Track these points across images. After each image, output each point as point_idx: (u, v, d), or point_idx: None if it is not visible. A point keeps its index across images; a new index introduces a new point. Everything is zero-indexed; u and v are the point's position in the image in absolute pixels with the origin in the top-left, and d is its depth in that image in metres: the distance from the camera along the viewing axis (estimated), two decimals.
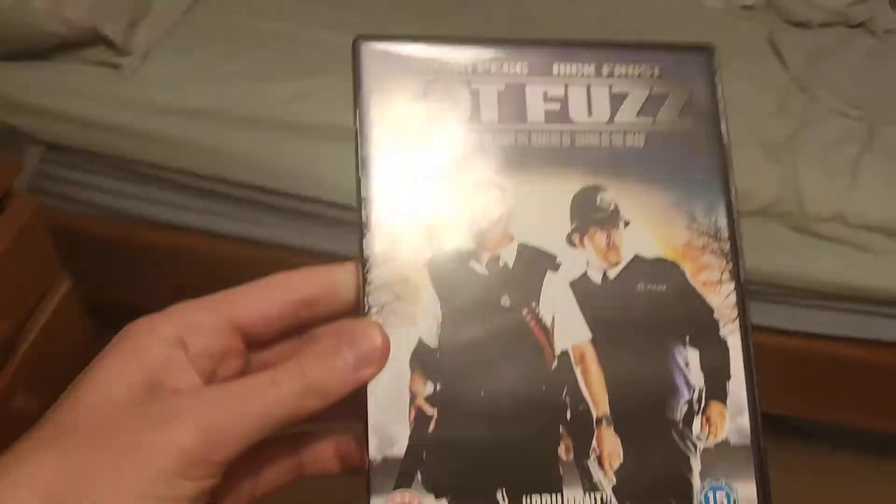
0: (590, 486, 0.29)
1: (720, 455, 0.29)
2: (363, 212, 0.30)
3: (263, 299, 0.28)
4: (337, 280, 0.29)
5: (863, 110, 0.98)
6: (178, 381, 0.26)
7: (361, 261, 0.30)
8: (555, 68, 0.32)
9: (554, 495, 0.28)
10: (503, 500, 0.28)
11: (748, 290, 0.31)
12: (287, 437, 0.30)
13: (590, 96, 0.32)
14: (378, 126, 0.31)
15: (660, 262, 0.31)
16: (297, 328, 0.29)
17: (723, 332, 0.30)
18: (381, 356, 0.29)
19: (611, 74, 0.32)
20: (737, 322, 0.30)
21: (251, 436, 0.26)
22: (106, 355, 0.26)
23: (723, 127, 0.32)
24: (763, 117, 1.01)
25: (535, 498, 0.28)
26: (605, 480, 0.29)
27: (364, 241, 0.30)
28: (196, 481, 0.25)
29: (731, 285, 0.31)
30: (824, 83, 1.04)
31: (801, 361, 0.95)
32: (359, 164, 0.30)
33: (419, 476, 0.28)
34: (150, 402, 0.25)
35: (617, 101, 0.32)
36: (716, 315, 0.30)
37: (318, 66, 1.03)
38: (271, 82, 1.03)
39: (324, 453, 0.30)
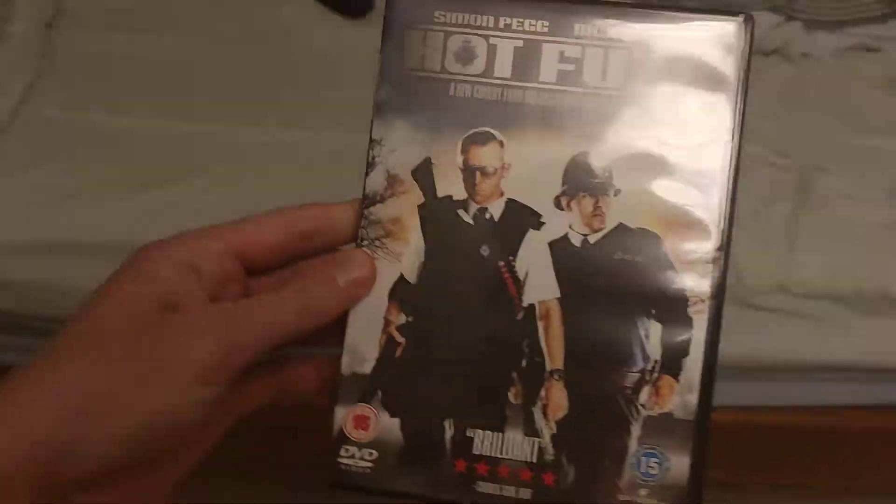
0: (531, 431, 0.32)
1: (662, 425, 0.31)
2: (370, 151, 0.33)
3: (266, 229, 0.32)
4: (333, 216, 0.33)
5: (790, 158, 0.83)
6: (191, 300, 0.30)
7: (362, 196, 0.33)
8: (576, 28, 0.32)
9: (496, 433, 0.32)
10: (449, 428, 0.32)
11: (726, 276, 0.31)
12: (273, 360, 0.34)
13: (607, 60, 0.32)
14: (395, 71, 0.33)
15: (642, 234, 0.32)
16: (293, 257, 0.33)
17: (690, 310, 0.31)
18: (368, 282, 0.32)
19: (632, 39, 0.32)
20: (707, 303, 0.31)
21: (261, 347, 0.30)
22: (122, 273, 0.30)
23: (740, 102, 0.32)
24: None
25: (479, 432, 0.32)
26: (546, 429, 0.31)
27: (366, 178, 0.33)
28: (214, 387, 0.29)
29: (710, 267, 0.31)
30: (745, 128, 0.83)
31: (748, 433, 0.80)
32: (375, 107, 0.33)
33: (379, 394, 0.32)
34: (168, 316, 0.29)
35: (635, 66, 0.32)
36: (687, 293, 0.31)
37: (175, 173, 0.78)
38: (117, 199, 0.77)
39: (305, 375, 0.34)
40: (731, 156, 0.31)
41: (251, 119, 0.82)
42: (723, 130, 0.32)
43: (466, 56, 0.33)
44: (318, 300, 0.31)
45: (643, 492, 0.31)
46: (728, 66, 0.32)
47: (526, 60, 0.32)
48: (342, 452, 0.32)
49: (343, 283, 0.32)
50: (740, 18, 0.32)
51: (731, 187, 0.31)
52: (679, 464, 0.31)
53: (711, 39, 0.32)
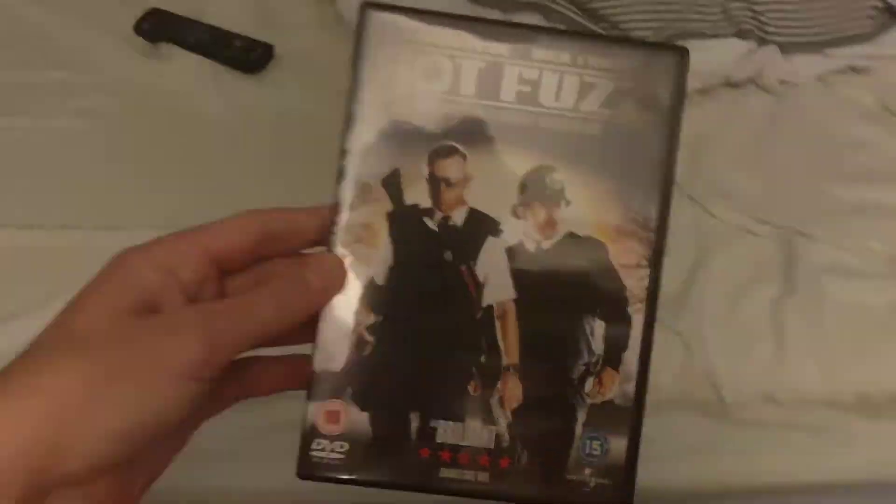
0: (489, 420, 0.35)
1: (604, 412, 0.35)
2: (342, 161, 0.35)
3: (237, 232, 0.33)
4: (300, 221, 0.34)
5: (771, 221, 0.71)
6: (170, 302, 0.31)
7: (333, 203, 0.35)
8: (534, 53, 0.35)
9: (457, 423, 0.35)
10: (415, 420, 0.34)
11: (660, 279, 0.36)
12: (240, 360, 0.35)
13: (561, 82, 0.35)
14: (367, 86, 0.35)
15: (589, 241, 0.35)
16: (262, 257, 0.34)
17: (630, 309, 0.35)
18: (339, 284, 0.34)
19: (584, 65, 0.35)
20: (644, 304, 0.35)
21: (242, 344, 0.31)
22: (101, 278, 0.31)
23: (678, 128, 0.36)
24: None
25: (442, 422, 0.35)
26: (502, 418, 0.35)
27: (339, 187, 0.35)
28: (198, 384, 0.30)
29: (647, 271, 0.35)
30: (716, 188, 0.73)
31: None
32: (345, 117, 0.35)
33: (349, 390, 0.34)
34: (150, 317, 0.30)
35: (585, 89, 0.35)
36: (627, 294, 0.35)
37: None
38: None
39: (274, 374, 0.36)
40: (666, 174, 0.36)
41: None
42: (660, 151, 0.36)
43: (434, 74, 0.35)
44: (292, 300, 0.33)
45: (587, 471, 0.35)
46: (665, 93, 0.36)
47: (488, 80, 0.35)
48: (314, 445, 0.34)
49: (316, 284, 0.34)
50: (678, 51, 0.36)
51: (664, 201, 0.36)
52: (618, 445, 0.35)
53: (652, 68, 0.36)
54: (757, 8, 0.82)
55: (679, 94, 0.36)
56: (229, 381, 0.35)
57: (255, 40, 0.82)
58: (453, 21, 0.35)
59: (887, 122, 0.80)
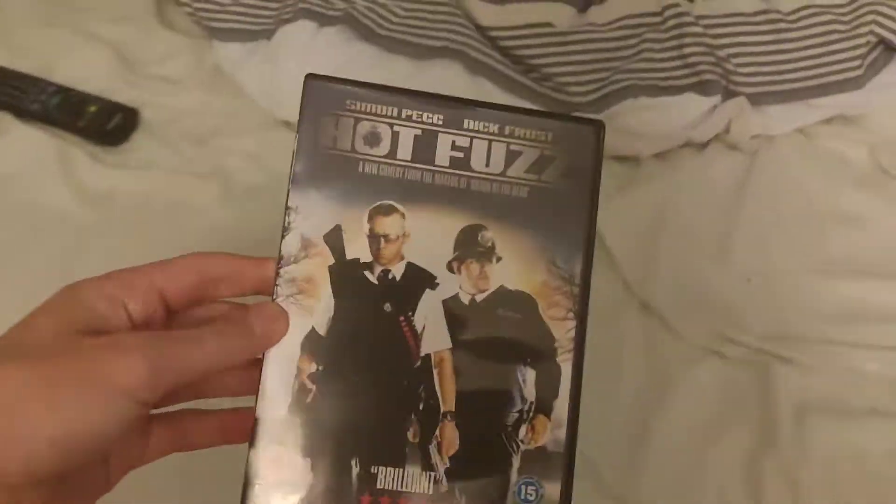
0: (427, 466, 0.36)
1: (537, 457, 0.37)
2: (286, 217, 0.37)
3: (184, 271, 0.35)
4: (244, 269, 0.36)
5: (745, 333, 0.58)
6: (118, 329, 0.33)
7: (278, 256, 0.36)
8: (465, 123, 0.39)
9: (398, 469, 0.36)
10: (356, 466, 0.35)
11: (585, 330, 0.38)
12: (175, 413, 0.37)
13: (490, 150, 0.39)
14: (310, 149, 0.37)
15: (519, 295, 0.38)
16: (204, 299, 0.36)
17: (559, 359, 0.37)
18: (280, 332, 0.36)
19: (511, 135, 0.39)
20: (572, 353, 0.38)
21: (184, 374, 0.32)
22: (50, 302, 0.32)
23: (597, 192, 0.39)
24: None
25: (382, 469, 0.35)
26: (441, 464, 0.36)
27: (282, 241, 0.37)
28: (138, 404, 0.30)
29: (573, 323, 0.38)
30: (676, 291, 0.60)
31: None
32: (290, 177, 0.37)
33: (291, 437, 0.35)
34: (98, 335, 0.31)
35: (512, 156, 0.39)
36: (556, 345, 0.38)
37: None
38: None
39: (207, 427, 0.37)
40: (588, 232, 0.39)
41: None
42: (581, 213, 0.39)
43: (373, 139, 0.38)
44: (234, 341, 0.34)
45: None
46: (585, 162, 0.39)
47: (424, 146, 0.38)
48: (257, 493, 0.34)
49: (258, 330, 0.35)
50: (595, 124, 0.40)
51: (586, 258, 0.38)
52: (552, 490, 0.36)
53: (572, 139, 0.39)
54: (720, 53, 0.67)
55: (596, 163, 0.39)
56: (163, 432, 0.36)
57: (115, 103, 0.67)
58: (391, 92, 0.38)
59: (882, 186, 0.65)
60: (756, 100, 0.67)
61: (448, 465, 0.36)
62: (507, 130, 0.39)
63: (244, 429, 0.35)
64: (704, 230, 0.63)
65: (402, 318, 0.37)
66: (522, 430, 0.37)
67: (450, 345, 0.37)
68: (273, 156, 0.68)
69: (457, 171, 0.38)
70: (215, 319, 0.36)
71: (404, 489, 0.35)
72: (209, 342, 0.33)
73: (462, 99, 0.39)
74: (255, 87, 0.71)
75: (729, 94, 0.66)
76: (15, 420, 0.28)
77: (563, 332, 0.38)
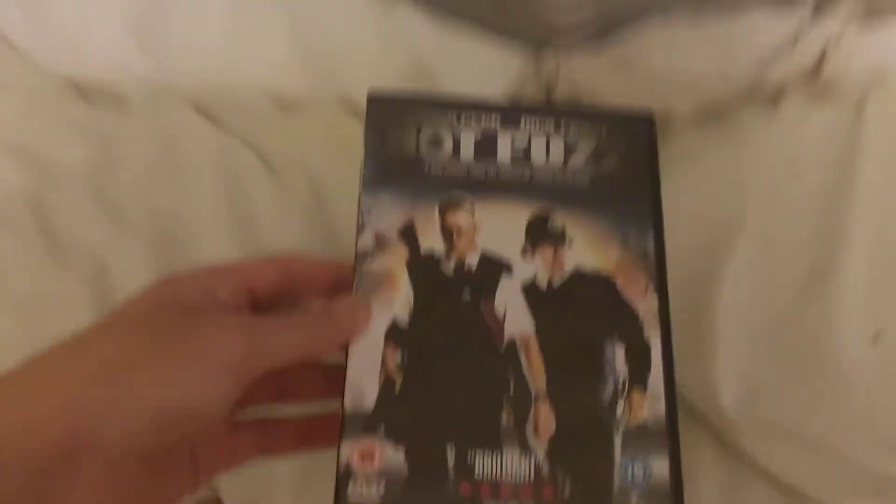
0: (525, 449, 0.34)
1: (640, 434, 0.35)
2: (360, 217, 0.38)
3: (269, 269, 0.35)
4: (316, 272, 0.37)
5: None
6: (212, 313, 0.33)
7: (355, 254, 0.37)
8: (522, 122, 0.40)
9: (495, 454, 0.34)
10: (451, 453, 0.34)
11: (668, 303, 0.37)
12: (259, 420, 0.36)
13: (548, 145, 0.40)
14: (376, 155, 0.39)
15: (596, 274, 0.37)
16: (285, 297, 0.36)
17: (646, 333, 0.36)
18: (364, 322, 0.35)
19: (566, 131, 0.40)
20: (658, 326, 0.37)
21: (275, 358, 0.32)
22: (144, 289, 0.32)
23: (655, 179, 0.40)
24: None
25: (479, 453, 0.34)
26: (540, 447, 0.34)
27: (358, 239, 0.37)
28: (236, 384, 0.30)
29: (655, 296, 0.37)
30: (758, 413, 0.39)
31: None
32: (360, 180, 0.38)
33: (383, 427, 0.34)
34: (196, 315, 0.31)
35: (570, 150, 0.40)
36: (640, 319, 0.37)
37: None
38: None
39: (293, 433, 0.37)
40: (656, 211, 0.39)
41: None
42: (643, 196, 0.39)
43: (436, 144, 0.39)
44: (321, 332, 0.34)
45: (634, 496, 0.34)
46: (641, 152, 0.40)
47: (485, 146, 0.40)
48: (350, 486, 0.33)
49: (343, 322, 0.35)
50: (644, 118, 0.41)
51: (657, 235, 0.38)
52: (660, 467, 0.34)
53: (625, 133, 0.40)
54: None
55: (651, 153, 0.40)
56: (249, 436, 0.35)
57: None
58: (448, 102, 0.40)
59: None
60: (874, 6, 0.40)
61: (546, 447, 0.34)
62: (562, 127, 0.40)
63: (327, 434, 0.34)
64: (787, 245, 0.41)
65: (482, 305, 0.37)
66: (619, 406, 0.35)
67: (534, 327, 0.36)
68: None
69: (518, 166, 0.39)
70: (300, 313, 0.36)
71: (504, 475, 0.34)
72: (299, 329, 0.33)
73: (518, 104, 0.41)
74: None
75: (822, 7, 0.41)
76: (120, 391, 0.28)
77: (645, 306, 0.37)
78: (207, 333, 0.30)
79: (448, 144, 0.39)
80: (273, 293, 0.36)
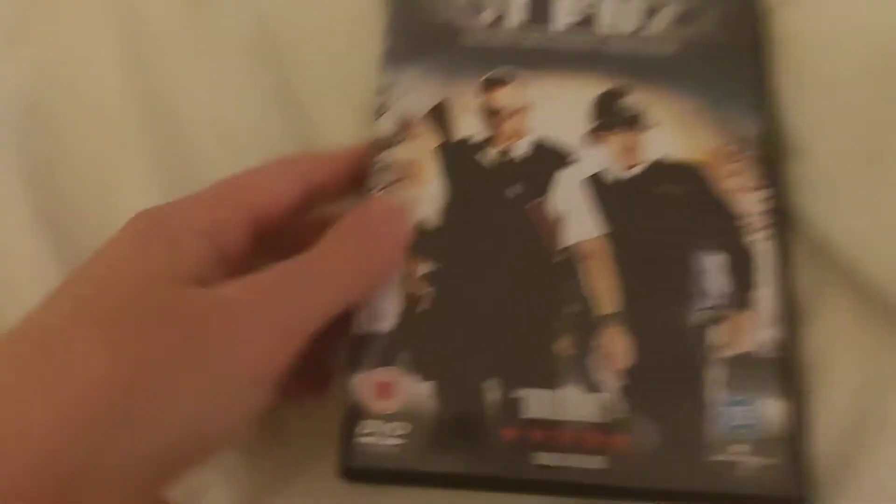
0: (591, 385, 0.26)
1: (743, 368, 0.26)
2: (378, 98, 0.30)
3: (279, 188, 0.26)
4: (340, 167, 0.28)
5: None
6: (213, 277, 0.23)
7: (373, 141, 0.29)
8: None
9: (550, 391, 0.26)
10: (492, 390, 0.26)
11: (784, 199, 0.28)
12: None
13: (619, 6, 0.31)
14: (402, 22, 0.31)
15: (682, 166, 0.29)
16: (299, 213, 0.27)
17: (750, 238, 0.28)
18: (406, 227, 0.28)
19: None
20: (767, 230, 0.28)
21: (316, 326, 0.24)
22: (142, 243, 0.23)
23: (761, 40, 0.31)
24: None
25: (528, 391, 0.26)
26: (611, 382, 0.26)
27: (376, 123, 0.29)
28: (265, 390, 0.23)
29: (763, 192, 0.28)
30: None
31: None
32: (383, 55, 0.31)
33: (405, 355, 0.26)
34: (206, 294, 0.22)
35: (651, 11, 0.31)
36: (742, 221, 0.28)
37: None
38: None
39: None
40: (760, 85, 0.30)
41: None
42: (748, 65, 0.30)
43: (476, 6, 0.31)
44: (372, 261, 0.26)
45: (737, 447, 0.25)
46: (746, 9, 0.31)
47: (537, 9, 0.31)
48: (362, 429, 0.25)
49: (394, 237, 0.27)
50: None
51: (767, 115, 0.29)
52: (772, 411, 0.26)
53: None
54: None
55: (756, 8, 0.31)
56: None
57: None
58: None
59: None
60: None
61: (620, 382, 0.26)
62: None
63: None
64: None
65: (531, 205, 0.28)
66: (715, 332, 0.27)
67: (598, 232, 0.28)
68: None
69: (581, 32, 0.31)
70: (328, 238, 0.25)
71: (563, 418, 0.26)
72: (341, 276, 0.25)
73: None
74: None
75: None
76: (114, 442, 0.20)
77: (752, 205, 0.28)
78: (234, 332, 0.22)
79: (491, 9, 0.31)
80: (287, 216, 0.27)
